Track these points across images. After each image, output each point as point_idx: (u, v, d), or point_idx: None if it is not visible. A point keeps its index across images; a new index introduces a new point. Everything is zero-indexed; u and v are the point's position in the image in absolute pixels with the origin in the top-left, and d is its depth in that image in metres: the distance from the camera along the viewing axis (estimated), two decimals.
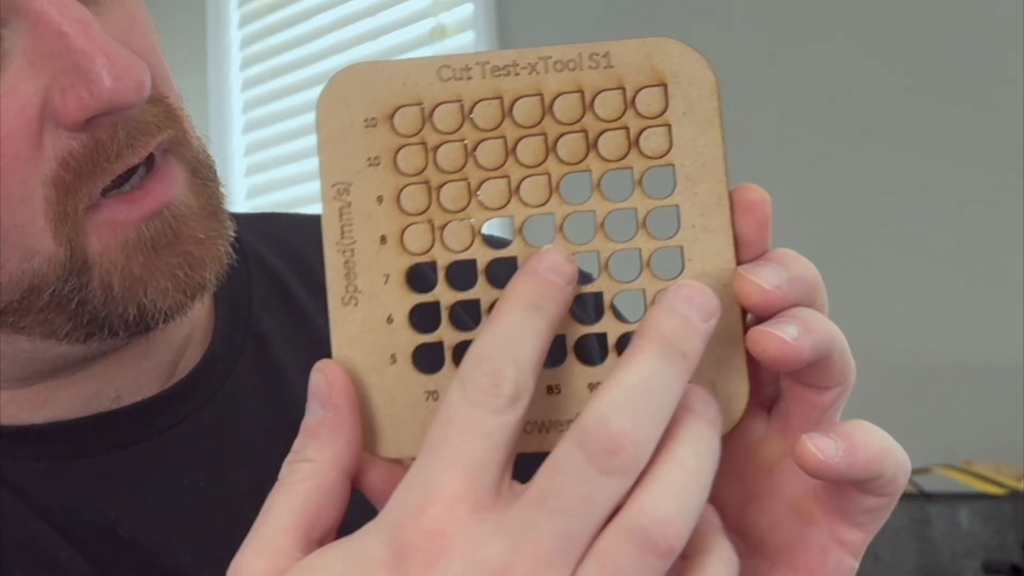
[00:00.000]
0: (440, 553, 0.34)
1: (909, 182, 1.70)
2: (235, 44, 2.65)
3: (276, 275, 0.66)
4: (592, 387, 0.41)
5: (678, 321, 0.36)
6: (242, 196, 2.62)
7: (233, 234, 0.55)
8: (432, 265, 0.42)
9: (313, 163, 2.49)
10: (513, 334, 0.37)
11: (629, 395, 0.35)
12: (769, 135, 1.75)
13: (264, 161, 2.61)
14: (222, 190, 0.56)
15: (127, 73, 0.48)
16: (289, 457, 0.40)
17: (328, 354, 0.59)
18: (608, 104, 0.41)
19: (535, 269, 0.38)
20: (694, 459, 0.35)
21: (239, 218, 0.59)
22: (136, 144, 0.51)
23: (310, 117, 2.50)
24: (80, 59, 0.48)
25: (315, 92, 2.47)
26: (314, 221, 0.72)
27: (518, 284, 0.38)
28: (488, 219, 0.42)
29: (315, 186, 2.56)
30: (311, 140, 2.50)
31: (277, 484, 0.39)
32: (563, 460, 0.35)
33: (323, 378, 0.41)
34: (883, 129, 1.72)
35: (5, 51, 0.48)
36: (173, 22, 2.72)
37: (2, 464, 0.55)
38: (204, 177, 0.55)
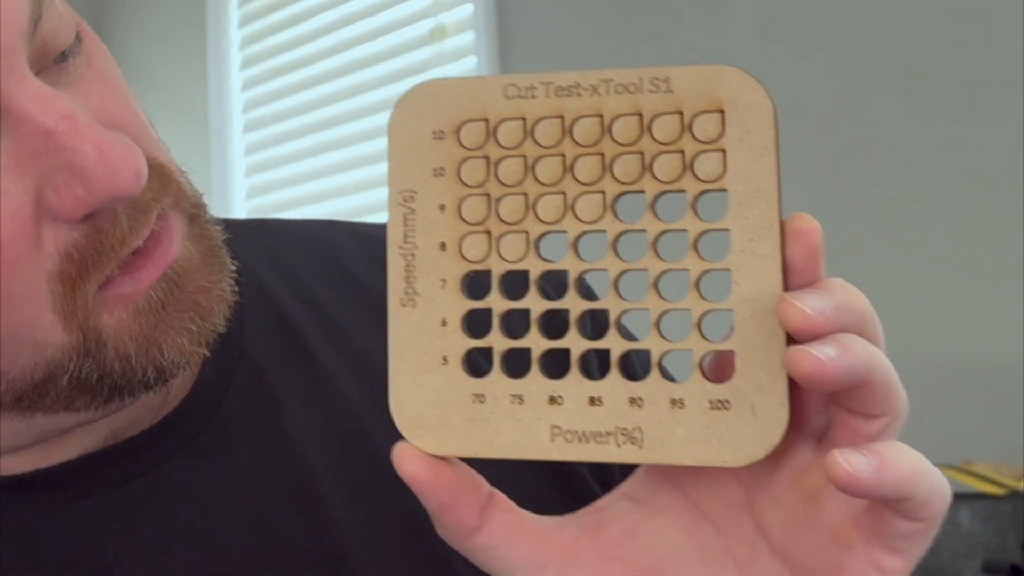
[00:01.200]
0: None
1: (909, 182, 1.71)
2: (235, 44, 2.66)
3: (269, 293, 0.64)
4: (633, 402, 0.42)
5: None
6: (242, 196, 2.62)
7: (234, 269, 0.55)
8: (487, 273, 0.44)
9: (313, 163, 2.51)
10: None
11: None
12: None
13: (264, 161, 2.62)
14: (217, 227, 0.55)
15: (123, 165, 0.47)
16: None
17: (323, 378, 0.61)
18: (665, 127, 0.42)
19: None
20: None
21: (230, 226, 0.58)
22: (139, 225, 0.50)
23: (310, 117, 2.51)
24: (71, 156, 0.46)
25: (315, 92, 2.49)
26: (305, 228, 0.71)
27: None
28: (543, 232, 0.43)
29: (316, 186, 2.56)
30: (311, 140, 2.51)
31: None
32: None
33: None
34: (883, 129, 1.73)
35: None
36: (173, 22, 2.72)
37: None
38: (201, 220, 0.54)
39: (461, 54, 2.24)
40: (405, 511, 0.56)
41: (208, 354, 0.53)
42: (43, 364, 0.49)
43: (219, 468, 0.57)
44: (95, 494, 0.54)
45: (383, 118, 2.37)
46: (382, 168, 2.37)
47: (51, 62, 0.48)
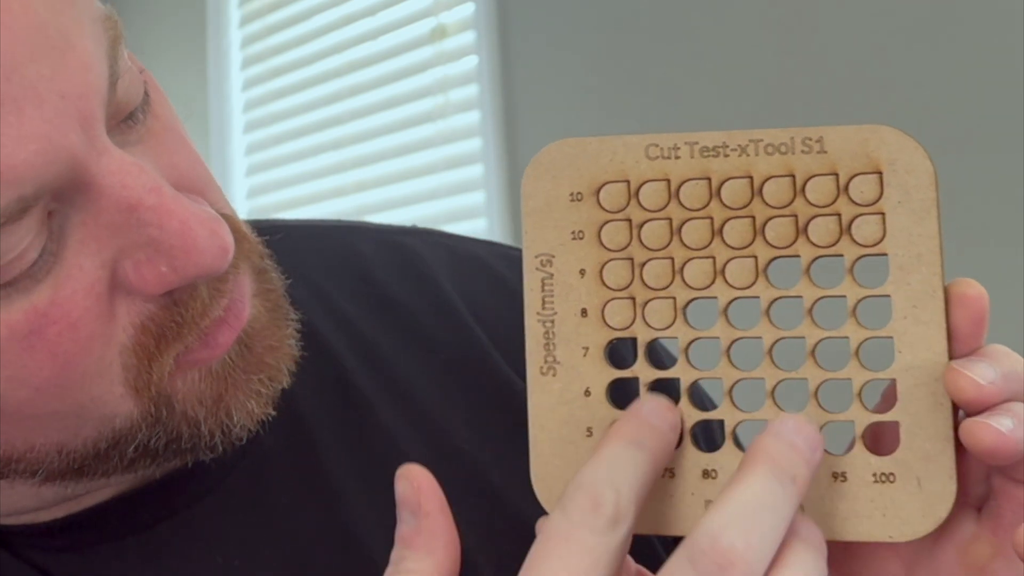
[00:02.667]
0: None
1: None
2: (235, 44, 2.63)
3: (299, 314, 0.60)
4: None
5: (786, 447, 0.37)
6: (242, 196, 2.60)
7: (296, 320, 0.53)
8: (632, 341, 0.42)
9: (313, 163, 2.49)
10: (613, 464, 0.38)
11: (741, 512, 0.35)
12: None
13: (264, 161, 2.60)
14: (278, 275, 0.53)
15: (211, 242, 0.44)
16: (389, 570, 0.40)
17: (357, 405, 0.58)
18: (820, 189, 0.41)
19: (638, 411, 0.39)
20: None
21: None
22: (218, 294, 0.48)
23: (310, 117, 2.49)
24: (156, 234, 0.44)
25: (315, 92, 2.47)
26: (328, 234, 0.66)
27: (621, 424, 0.39)
28: (692, 298, 0.42)
29: (315, 186, 2.53)
30: (311, 140, 2.49)
31: None
32: (674, 574, 0.35)
33: (408, 485, 0.40)
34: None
35: (64, 228, 0.43)
36: (173, 22, 2.70)
37: (32, 555, 0.52)
38: (267, 274, 0.52)
39: (461, 54, 2.23)
40: None
41: (274, 414, 0.51)
42: (109, 435, 0.47)
43: (254, 507, 0.55)
44: (127, 535, 0.53)
45: (383, 118, 2.36)
46: (382, 168, 2.36)
47: (120, 120, 0.46)
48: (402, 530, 0.40)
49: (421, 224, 0.72)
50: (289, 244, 0.62)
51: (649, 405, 0.39)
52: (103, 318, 0.45)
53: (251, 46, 2.62)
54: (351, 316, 0.61)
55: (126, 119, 0.46)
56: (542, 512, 0.56)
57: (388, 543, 0.54)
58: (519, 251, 0.67)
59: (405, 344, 0.60)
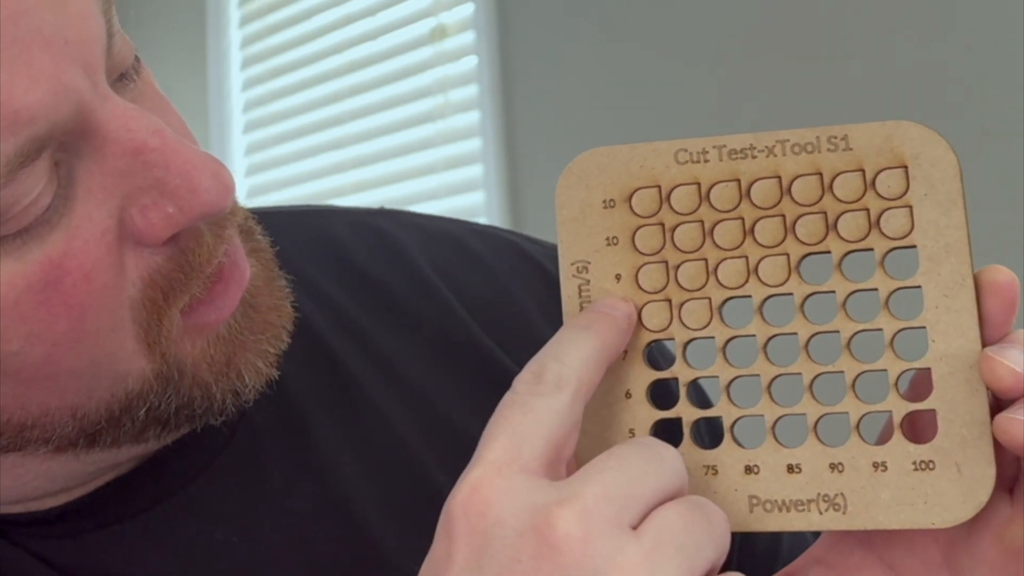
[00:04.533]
0: (485, 506, 0.38)
1: None
2: (235, 44, 2.63)
3: None
4: (834, 467, 0.41)
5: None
6: (242, 196, 2.58)
7: (286, 284, 0.53)
8: (670, 342, 0.43)
9: (313, 163, 2.49)
10: (557, 342, 0.41)
11: None
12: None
13: (264, 161, 2.60)
14: (264, 235, 0.53)
15: (215, 180, 0.45)
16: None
17: (347, 383, 0.58)
18: (848, 186, 0.42)
19: (592, 305, 0.43)
20: None
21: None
22: (220, 239, 0.48)
23: (310, 117, 2.49)
24: (161, 174, 0.44)
25: (315, 92, 2.48)
26: (300, 218, 0.66)
27: (576, 315, 0.43)
28: (726, 298, 0.43)
29: (315, 186, 2.52)
30: (311, 140, 2.49)
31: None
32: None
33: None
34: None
35: (71, 177, 0.44)
36: (173, 22, 2.70)
37: (32, 543, 0.52)
38: (254, 233, 0.52)
39: (461, 54, 2.23)
40: None
41: (276, 378, 0.51)
42: (122, 396, 0.47)
43: (248, 484, 0.55)
44: (125, 519, 0.53)
45: (383, 118, 2.36)
46: (382, 168, 2.36)
47: (114, 80, 0.46)
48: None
49: None
50: (265, 229, 0.62)
51: (604, 299, 0.43)
52: (114, 269, 0.45)
53: (251, 46, 2.62)
54: (333, 296, 0.62)
55: (120, 78, 0.47)
56: None
57: (382, 515, 0.56)
58: (492, 228, 0.68)
59: (388, 322, 0.61)
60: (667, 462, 0.39)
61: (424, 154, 2.28)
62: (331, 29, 2.45)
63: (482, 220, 2.13)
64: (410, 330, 0.61)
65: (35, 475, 0.50)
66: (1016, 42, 1.52)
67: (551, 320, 0.62)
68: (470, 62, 2.21)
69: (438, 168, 2.27)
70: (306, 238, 0.64)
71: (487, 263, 0.65)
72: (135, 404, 0.48)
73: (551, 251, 0.67)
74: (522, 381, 0.40)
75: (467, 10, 2.21)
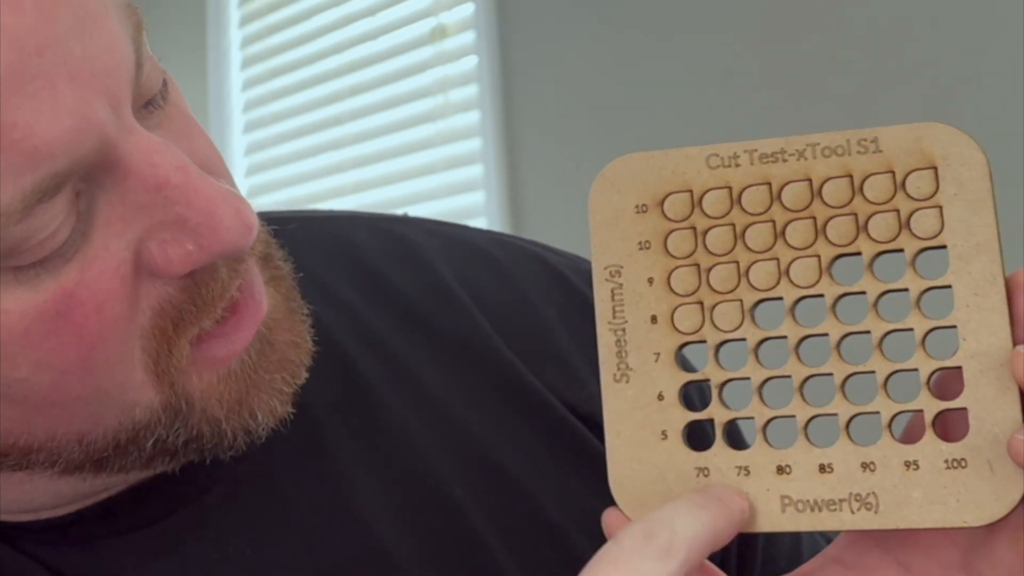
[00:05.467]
0: None
1: None
2: (235, 44, 2.63)
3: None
4: (865, 466, 0.42)
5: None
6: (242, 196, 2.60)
7: (307, 313, 0.53)
8: (702, 344, 0.43)
9: (313, 163, 2.49)
10: (674, 510, 0.40)
11: None
12: (768, 131, 1.76)
13: (264, 161, 2.60)
14: (286, 262, 0.53)
15: (237, 219, 0.45)
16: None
17: (363, 391, 0.58)
18: (878, 187, 0.42)
19: (711, 489, 0.42)
20: None
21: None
22: (235, 275, 0.48)
23: (310, 117, 2.49)
24: (183, 211, 0.44)
25: (315, 92, 2.47)
26: (326, 224, 0.65)
27: (693, 491, 0.42)
28: (758, 299, 0.43)
29: (315, 186, 2.52)
30: (311, 140, 2.49)
31: None
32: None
33: None
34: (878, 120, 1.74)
35: (91, 208, 0.44)
36: (173, 22, 2.69)
37: (41, 551, 0.52)
38: (271, 258, 0.52)
39: (461, 54, 2.23)
40: (460, 532, 0.56)
41: (294, 413, 0.51)
42: (129, 426, 0.47)
43: (263, 496, 0.55)
44: (137, 528, 0.53)
45: (383, 118, 2.36)
46: (382, 168, 2.37)
47: (141, 106, 0.46)
48: None
49: None
50: (284, 234, 0.61)
51: (723, 487, 0.42)
52: (127, 300, 0.45)
53: (251, 46, 2.62)
54: (351, 304, 0.61)
55: (147, 105, 0.46)
56: (551, 490, 0.57)
57: (396, 529, 0.55)
58: (514, 237, 0.68)
59: (406, 331, 0.61)
60: None
61: (424, 154, 2.28)
62: (331, 29, 2.45)
63: (482, 220, 2.14)
64: (429, 338, 0.61)
65: (42, 491, 0.50)
66: (1016, 42, 1.53)
67: (572, 331, 0.62)
68: (470, 62, 2.21)
69: (438, 168, 2.27)
70: (325, 243, 0.64)
71: (509, 272, 0.64)
72: (142, 435, 0.48)
73: (573, 262, 0.67)
74: (629, 537, 0.39)
75: (467, 10, 2.22)
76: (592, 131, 1.99)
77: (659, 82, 1.91)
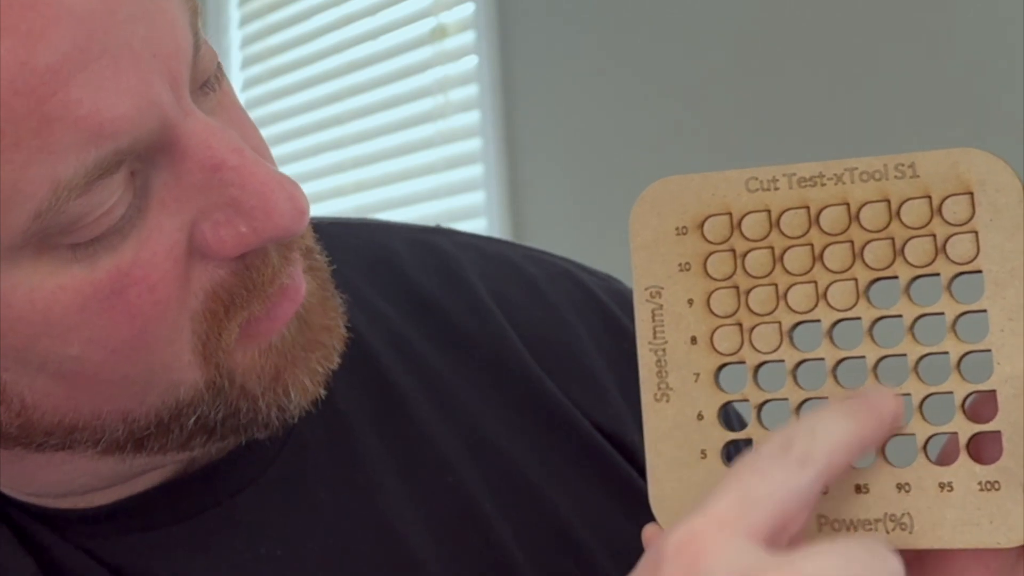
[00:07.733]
0: (699, 555, 0.37)
1: None
2: (235, 44, 2.64)
3: None
4: (900, 487, 0.42)
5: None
6: None
7: (341, 303, 0.53)
8: (741, 365, 0.44)
9: (313, 163, 2.49)
10: (815, 420, 0.40)
11: None
12: (767, 133, 1.77)
13: None
14: (322, 255, 0.54)
15: (290, 204, 0.45)
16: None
17: (396, 402, 0.58)
18: (914, 212, 0.43)
19: (862, 392, 0.42)
20: None
21: None
22: (286, 261, 0.48)
23: (310, 117, 2.49)
24: (237, 193, 0.45)
25: (315, 92, 2.48)
26: (361, 232, 0.66)
27: (842, 400, 0.41)
28: (796, 322, 0.44)
29: (315, 186, 2.52)
30: (311, 140, 2.50)
31: None
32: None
33: None
34: (881, 128, 1.74)
35: (146, 188, 0.44)
36: None
37: (80, 539, 0.53)
38: (311, 250, 0.53)
39: (461, 54, 2.24)
40: (489, 546, 0.56)
41: (325, 395, 0.51)
42: (173, 404, 0.48)
43: (294, 499, 0.55)
44: (171, 523, 0.53)
45: (383, 118, 2.36)
46: (382, 168, 2.37)
47: (196, 88, 0.47)
48: None
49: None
50: (322, 240, 0.61)
51: (877, 391, 0.42)
52: (179, 282, 0.45)
53: (251, 46, 2.62)
54: (386, 313, 0.62)
55: (202, 87, 0.47)
56: (578, 507, 0.58)
57: (426, 535, 0.56)
58: (547, 254, 0.68)
59: (440, 342, 0.61)
60: (890, 566, 0.38)
61: (424, 154, 2.29)
62: (331, 29, 2.45)
63: (482, 220, 2.14)
64: (462, 352, 0.61)
65: (82, 472, 0.51)
66: (1016, 42, 1.53)
67: (603, 351, 0.63)
68: (470, 62, 2.22)
69: (438, 168, 2.27)
70: (362, 253, 0.64)
71: (541, 289, 0.65)
72: (185, 412, 0.48)
73: (605, 282, 0.67)
74: (768, 447, 0.39)
75: (467, 10, 2.22)
76: (592, 131, 2.00)
77: (659, 83, 1.91)
